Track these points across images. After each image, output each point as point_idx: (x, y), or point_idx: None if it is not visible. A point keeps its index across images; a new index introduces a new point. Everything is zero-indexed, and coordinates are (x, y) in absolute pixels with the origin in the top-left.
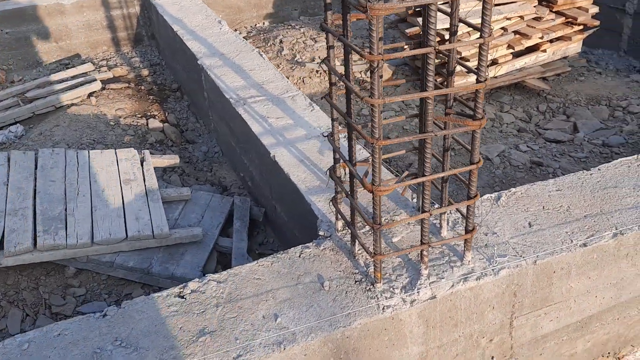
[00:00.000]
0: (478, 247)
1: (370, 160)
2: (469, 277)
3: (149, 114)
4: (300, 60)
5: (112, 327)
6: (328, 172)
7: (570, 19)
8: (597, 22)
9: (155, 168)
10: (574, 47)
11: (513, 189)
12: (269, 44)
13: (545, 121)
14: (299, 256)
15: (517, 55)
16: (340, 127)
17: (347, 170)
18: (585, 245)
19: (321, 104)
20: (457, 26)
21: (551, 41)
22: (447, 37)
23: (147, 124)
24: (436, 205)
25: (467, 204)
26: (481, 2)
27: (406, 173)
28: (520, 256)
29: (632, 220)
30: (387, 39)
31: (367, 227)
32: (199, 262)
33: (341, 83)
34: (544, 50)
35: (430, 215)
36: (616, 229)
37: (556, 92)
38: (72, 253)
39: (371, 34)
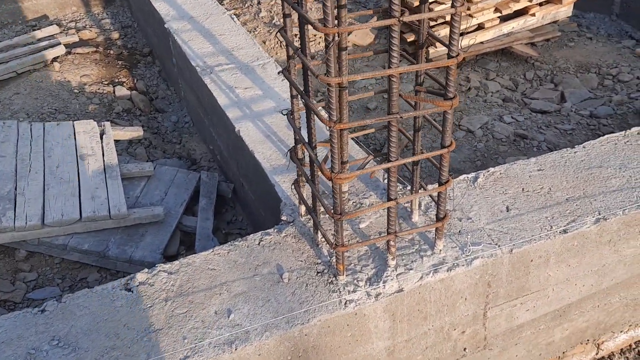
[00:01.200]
0: (451, 235)
1: (329, 145)
2: (439, 268)
3: (116, 80)
4: (278, 23)
5: (50, 324)
6: (288, 154)
7: None
8: None
9: (118, 141)
10: (565, 10)
11: (492, 169)
12: (246, 5)
13: (532, 90)
14: (259, 244)
15: (504, 19)
16: (301, 105)
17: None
18: (565, 232)
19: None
20: None
21: (540, 4)
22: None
23: (114, 92)
24: (407, 188)
25: (438, 191)
26: None
27: (370, 157)
28: (496, 244)
29: (616, 204)
30: (370, 1)
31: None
32: (159, 244)
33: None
34: (533, 14)
35: (398, 203)
36: (599, 214)
37: (544, 58)
38: (21, 236)
39: (325, 2)
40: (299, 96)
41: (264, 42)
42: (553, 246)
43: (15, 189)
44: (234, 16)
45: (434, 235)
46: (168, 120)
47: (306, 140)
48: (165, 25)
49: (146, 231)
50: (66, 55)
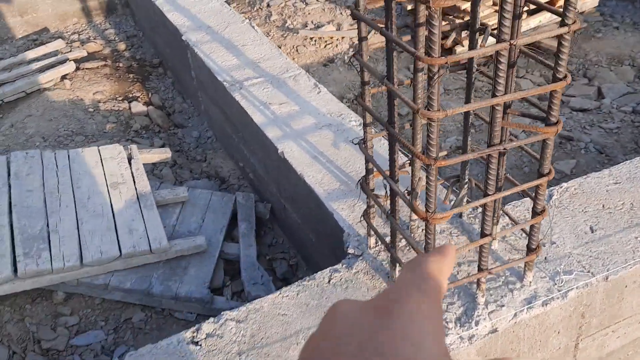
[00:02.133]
0: (537, 262)
1: (426, 184)
2: (533, 302)
3: (130, 95)
4: (291, 26)
5: None
6: (359, 185)
7: None
8: None
9: (144, 164)
10: (591, 0)
11: (565, 185)
12: (255, 9)
13: (566, 86)
14: (328, 282)
15: (531, 13)
16: (373, 132)
17: (385, 183)
18: None
19: (329, 83)
20: None
21: None
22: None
23: (130, 108)
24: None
25: (533, 223)
26: None
27: (465, 190)
28: (588, 272)
29: None
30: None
31: (404, 242)
32: (204, 277)
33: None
34: (560, 6)
35: (494, 239)
36: None
37: (574, 52)
38: (60, 278)
39: (432, 30)
40: (372, 124)
41: (280, 47)
42: None
43: (47, 225)
44: (254, 25)
45: (521, 265)
46: (189, 136)
47: (385, 172)
48: (183, 38)
49: (189, 263)
50: (76, 71)
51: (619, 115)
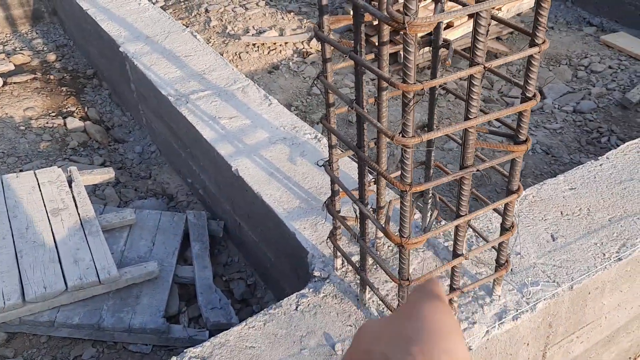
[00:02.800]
0: (505, 275)
1: (400, 209)
2: (504, 317)
3: (65, 110)
4: (232, 32)
5: None
6: (325, 207)
7: None
8: None
9: (85, 185)
10: (528, 2)
11: (523, 192)
12: (193, 14)
13: (508, 87)
14: (296, 308)
15: (472, 15)
16: (340, 152)
17: (354, 207)
18: (619, 259)
19: (275, 91)
20: None
21: None
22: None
23: (65, 124)
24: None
25: (502, 240)
26: None
27: (436, 213)
28: (554, 281)
29: None
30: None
31: (371, 261)
32: (159, 305)
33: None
34: (500, 9)
35: (466, 259)
36: None
37: (513, 53)
38: (0, 318)
39: (408, 57)
40: (337, 146)
41: (222, 54)
42: (609, 275)
43: None
44: (196, 34)
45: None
46: (132, 151)
47: (353, 192)
48: (121, 49)
49: (141, 291)
50: (3, 87)
51: (561, 115)
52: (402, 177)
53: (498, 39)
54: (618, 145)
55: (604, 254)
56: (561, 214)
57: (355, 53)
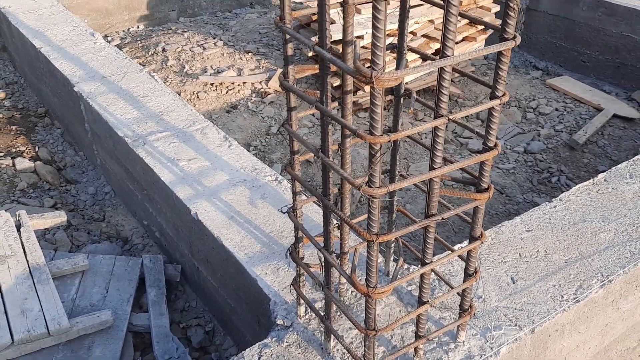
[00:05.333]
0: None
1: (367, 259)
2: None
3: (14, 150)
4: (190, 71)
5: None
6: (288, 254)
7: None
8: (499, 21)
9: (35, 230)
10: (478, 46)
11: None
12: (149, 53)
13: (462, 128)
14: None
15: (424, 59)
16: (304, 198)
17: (320, 255)
18: (578, 301)
19: (234, 131)
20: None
21: (457, 42)
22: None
23: (14, 165)
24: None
25: (466, 286)
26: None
27: (401, 261)
28: (516, 325)
29: (614, 263)
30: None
31: (335, 308)
32: (112, 356)
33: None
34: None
35: (431, 306)
36: (602, 276)
37: (465, 94)
38: None
39: (375, 110)
40: (302, 193)
41: (179, 94)
42: (568, 317)
43: None
44: (154, 74)
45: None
46: (84, 193)
47: (317, 238)
48: (75, 89)
49: (93, 342)
50: None
51: (513, 155)
52: (369, 227)
53: (451, 81)
54: (568, 185)
55: (562, 296)
56: (520, 256)
57: (321, 103)
